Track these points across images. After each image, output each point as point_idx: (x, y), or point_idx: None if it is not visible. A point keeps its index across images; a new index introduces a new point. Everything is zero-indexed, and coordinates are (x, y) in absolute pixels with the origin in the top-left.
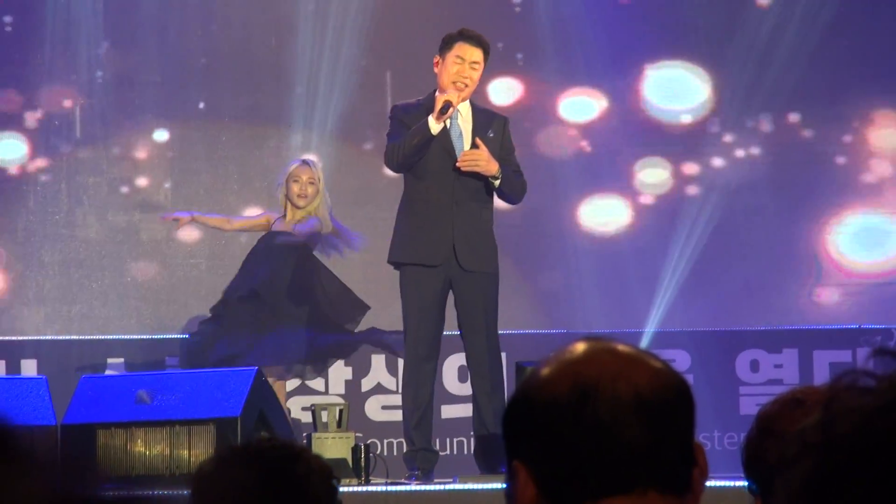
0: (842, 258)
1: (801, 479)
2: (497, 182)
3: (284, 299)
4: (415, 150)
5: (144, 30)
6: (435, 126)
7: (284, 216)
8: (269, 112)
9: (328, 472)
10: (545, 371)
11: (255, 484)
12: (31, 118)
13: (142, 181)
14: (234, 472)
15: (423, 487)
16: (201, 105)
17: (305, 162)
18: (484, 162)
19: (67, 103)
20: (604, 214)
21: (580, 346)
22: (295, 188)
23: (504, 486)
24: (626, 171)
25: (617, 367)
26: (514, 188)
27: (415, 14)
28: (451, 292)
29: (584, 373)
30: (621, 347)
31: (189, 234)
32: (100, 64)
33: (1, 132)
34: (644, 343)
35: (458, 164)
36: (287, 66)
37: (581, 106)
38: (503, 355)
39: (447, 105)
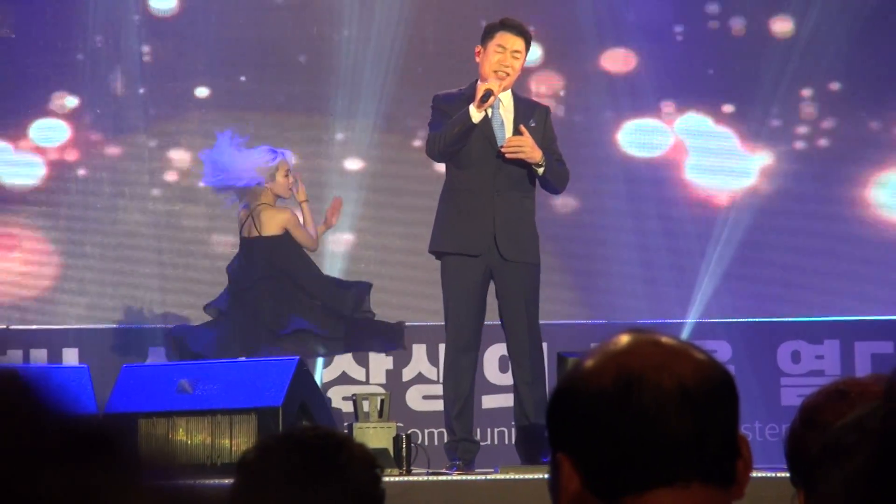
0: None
1: (859, 465)
2: (541, 170)
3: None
4: (456, 139)
5: (188, 17)
6: (476, 115)
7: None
8: (311, 102)
9: (371, 461)
10: (589, 363)
11: (297, 472)
12: (72, 107)
13: (183, 171)
14: (277, 460)
15: (464, 477)
16: (243, 95)
17: (283, 155)
18: (528, 148)
19: (109, 92)
20: (647, 204)
21: (624, 338)
22: (284, 181)
23: (548, 477)
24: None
25: (661, 359)
26: (557, 176)
27: (458, 4)
28: (492, 282)
29: (628, 364)
30: (665, 339)
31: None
32: (142, 52)
33: (42, 121)
34: (685, 334)
35: (502, 151)
36: (329, 55)
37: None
38: (544, 345)
39: (488, 93)
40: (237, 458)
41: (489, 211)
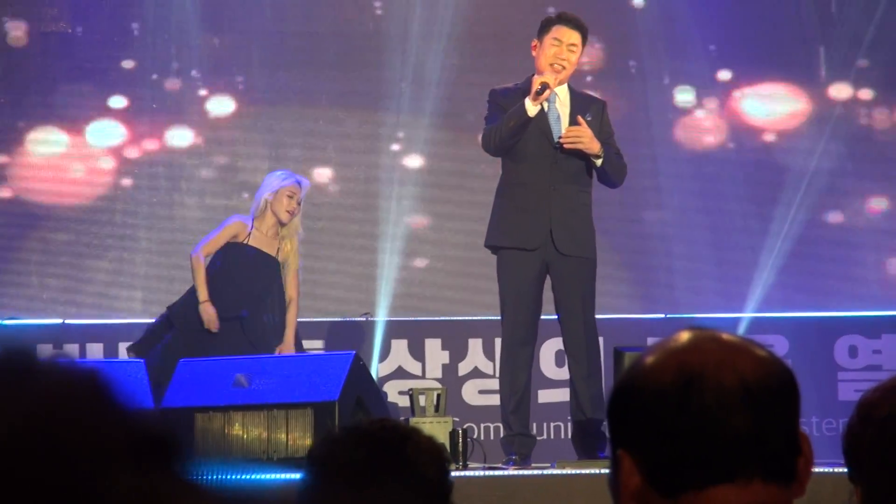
0: None
1: None
2: (599, 161)
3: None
4: (511, 132)
5: (241, 11)
6: (532, 108)
7: (252, 224)
8: (366, 95)
9: (438, 453)
10: (649, 359)
11: (364, 465)
12: (129, 101)
13: (239, 164)
14: (344, 453)
15: (520, 472)
16: (298, 88)
17: (300, 182)
18: (587, 139)
19: (165, 86)
20: (703, 198)
21: (684, 335)
22: (286, 202)
23: (608, 473)
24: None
25: (722, 355)
26: (616, 169)
27: None
28: (548, 276)
29: (689, 361)
30: (726, 336)
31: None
32: (197, 46)
33: (98, 116)
34: (741, 329)
35: (560, 141)
36: (385, 48)
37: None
38: (601, 340)
39: (544, 87)
40: (293, 453)
41: (545, 205)
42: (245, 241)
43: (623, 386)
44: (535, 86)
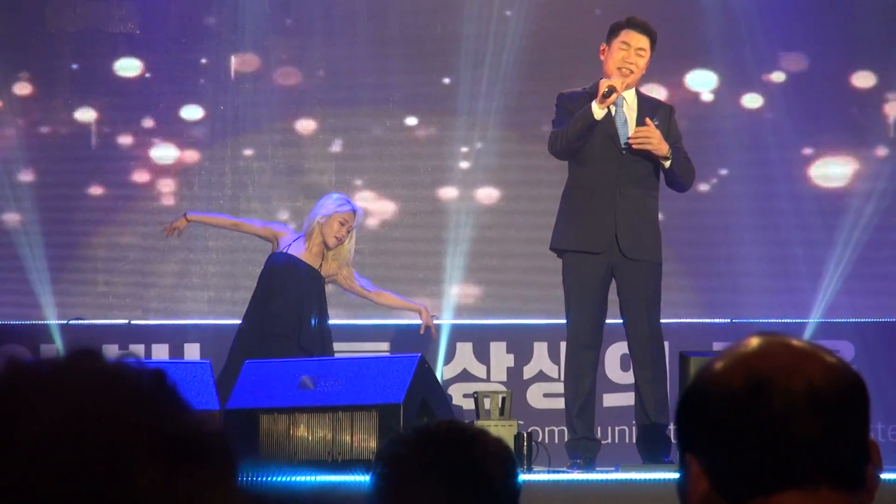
0: None
1: None
2: (668, 163)
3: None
4: (578, 135)
5: (309, 16)
6: (598, 111)
7: (300, 240)
8: (433, 98)
9: (506, 455)
10: (719, 364)
11: (432, 467)
12: (197, 104)
13: (306, 166)
14: (412, 454)
15: (585, 476)
16: (365, 91)
17: (355, 210)
18: (656, 140)
19: (232, 88)
20: (771, 202)
21: (754, 340)
22: (337, 228)
23: (677, 478)
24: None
25: (790, 361)
26: (684, 171)
27: (583, 1)
28: (613, 280)
29: (758, 366)
30: (795, 341)
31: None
32: (266, 48)
33: (167, 118)
34: (807, 334)
35: (629, 141)
36: (452, 51)
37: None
38: (666, 344)
39: (611, 90)
40: (357, 455)
41: (611, 209)
42: (286, 251)
43: (691, 390)
44: (602, 89)
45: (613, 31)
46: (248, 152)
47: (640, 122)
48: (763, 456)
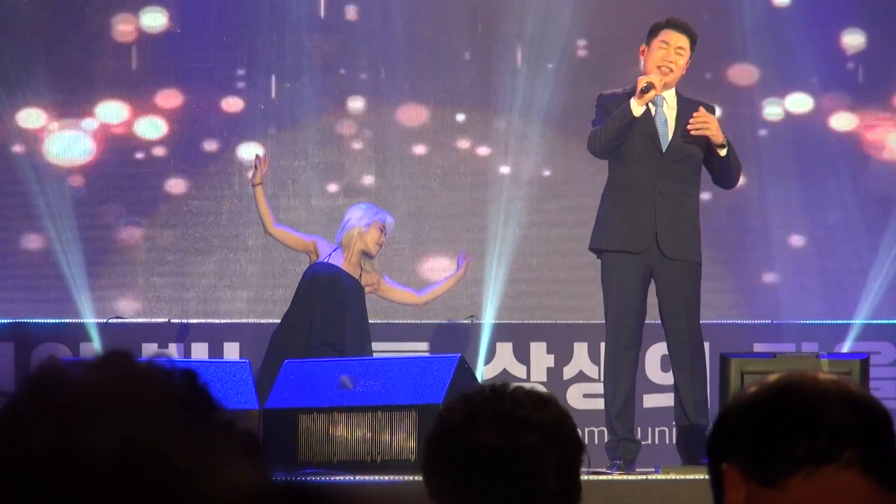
0: None
1: None
2: (724, 151)
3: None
4: (617, 133)
5: (348, 14)
6: (637, 108)
7: (338, 251)
8: (474, 97)
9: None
10: (752, 388)
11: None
12: (236, 102)
13: (346, 166)
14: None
15: (624, 477)
16: (405, 90)
17: (387, 219)
18: (714, 127)
19: (271, 88)
20: (810, 203)
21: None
22: (376, 236)
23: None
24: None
25: (822, 375)
26: (736, 164)
27: (623, 2)
28: (652, 281)
29: (789, 377)
30: (824, 373)
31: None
32: (305, 49)
33: (205, 118)
34: (851, 335)
35: (688, 126)
36: (491, 51)
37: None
38: (707, 345)
39: (649, 86)
40: (397, 455)
41: (651, 208)
42: (327, 261)
43: (728, 409)
44: (641, 84)
45: (653, 32)
46: (287, 150)
47: (680, 121)
48: (796, 434)
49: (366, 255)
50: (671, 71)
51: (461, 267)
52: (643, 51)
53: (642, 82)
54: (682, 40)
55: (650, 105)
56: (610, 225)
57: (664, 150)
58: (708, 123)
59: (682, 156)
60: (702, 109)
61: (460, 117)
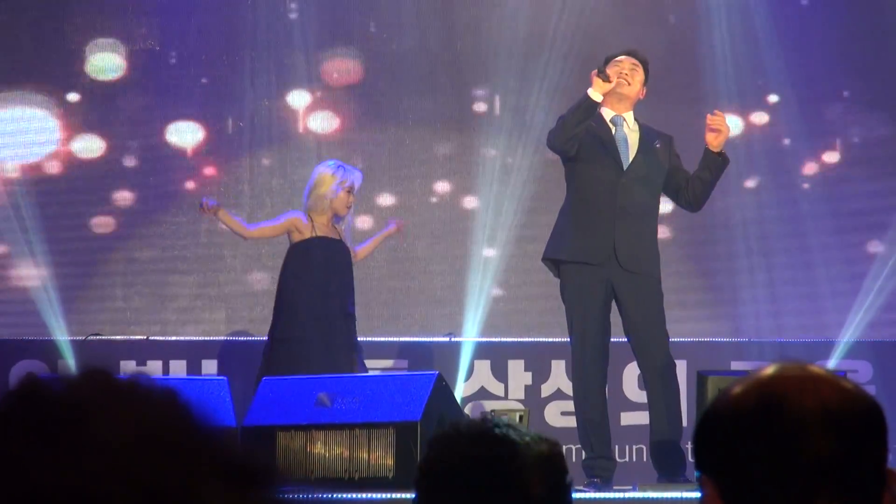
0: None
1: None
2: (719, 159)
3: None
4: (578, 119)
5: (344, 33)
6: (595, 94)
7: (307, 217)
8: (456, 116)
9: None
10: (735, 389)
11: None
12: (230, 116)
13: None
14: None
15: (602, 495)
16: (386, 106)
17: (354, 174)
18: (726, 131)
19: (269, 99)
20: (789, 220)
21: (772, 366)
22: (345, 199)
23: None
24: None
25: (804, 382)
26: (715, 182)
27: (606, 21)
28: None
29: (771, 386)
30: (812, 367)
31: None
32: (289, 68)
33: (194, 134)
34: (834, 355)
35: (708, 120)
36: (477, 68)
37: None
38: (684, 363)
39: (605, 74)
40: (375, 473)
41: (610, 224)
42: (315, 235)
43: (708, 414)
44: (594, 73)
45: (606, 61)
46: (266, 166)
47: (642, 143)
48: (774, 472)
49: (339, 219)
50: (628, 84)
51: (392, 226)
52: (595, 74)
53: (596, 72)
54: (633, 60)
55: (610, 125)
56: (567, 236)
57: (625, 168)
58: (722, 126)
59: (642, 174)
60: (718, 112)
61: (442, 134)
